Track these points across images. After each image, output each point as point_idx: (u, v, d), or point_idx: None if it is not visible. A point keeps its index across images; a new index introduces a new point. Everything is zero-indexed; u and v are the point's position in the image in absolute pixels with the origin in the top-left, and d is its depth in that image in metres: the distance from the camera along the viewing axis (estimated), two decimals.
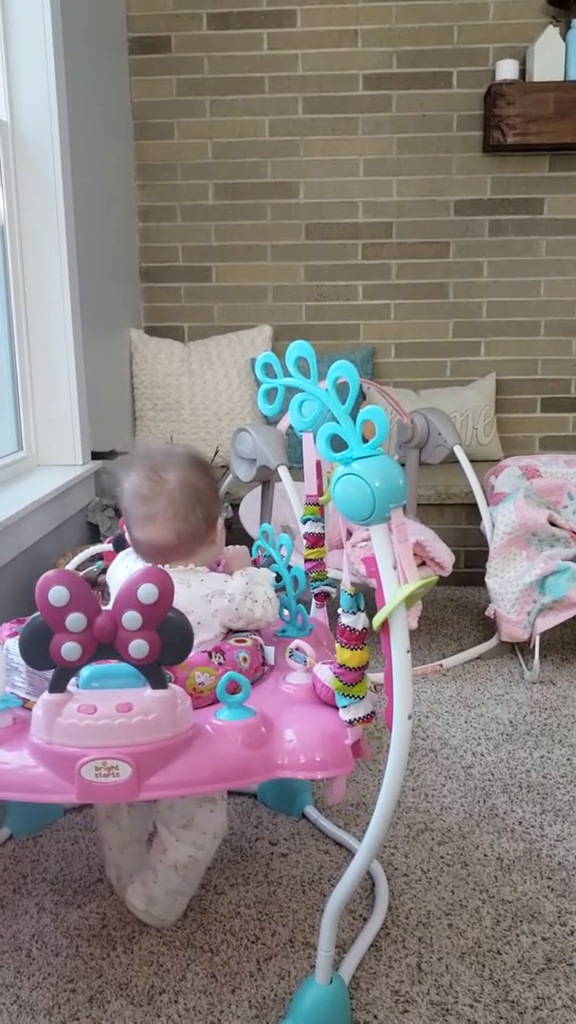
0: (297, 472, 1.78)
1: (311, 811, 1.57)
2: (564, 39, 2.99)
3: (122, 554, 1.37)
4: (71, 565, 1.67)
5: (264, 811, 1.60)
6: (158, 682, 0.98)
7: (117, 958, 1.24)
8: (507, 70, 3.04)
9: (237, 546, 1.41)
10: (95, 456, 2.62)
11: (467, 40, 3.14)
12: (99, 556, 1.56)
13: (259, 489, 2.32)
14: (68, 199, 2.38)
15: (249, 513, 2.42)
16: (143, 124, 3.24)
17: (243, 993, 1.17)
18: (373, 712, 1.05)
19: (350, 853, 1.46)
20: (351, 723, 1.04)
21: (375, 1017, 1.14)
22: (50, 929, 1.30)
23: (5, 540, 1.92)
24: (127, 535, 1.33)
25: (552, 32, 2.99)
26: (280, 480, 2.08)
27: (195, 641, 1.01)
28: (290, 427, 2.11)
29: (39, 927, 1.30)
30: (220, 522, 1.32)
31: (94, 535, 2.57)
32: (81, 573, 1.80)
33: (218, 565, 1.36)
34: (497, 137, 3.04)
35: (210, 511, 1.28)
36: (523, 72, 3.09)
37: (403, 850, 1.48)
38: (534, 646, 2.17)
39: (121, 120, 3.13)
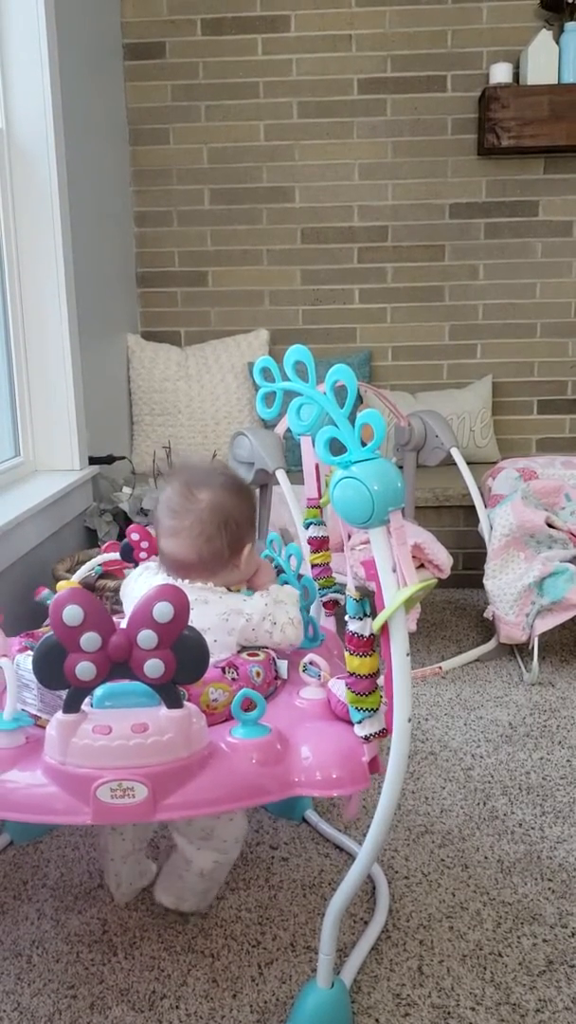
0: (295, 475, 1.79)
1: (311, 815, 1.57)
2: (557, 43, 3.00)
3: (138, 569, 1.36)
4: (77, 576, 1.66)
5: (265, 815, 1.59)
6: (173, 702, 0.96)
7: (118, 963, 1.24)
8: (501, 73, 3.05)
9: (265, 562, 1.38)
10: (92, 461, 2.62)
11: (461, 44, 3.15)
12: (132, 560, 1.55)
13: (257, 493, 2.32)
14: (64, 205, 2.38)
15: None
16: (138, 130, 3.24)
17: (244, 997, 1.17)
18: (386, 728, 1.03)
19: (351, 857, 1.46)
20: (367, 739, 1.02)
21: (376, 1021, 1.13)
22: (51, 935, 1.30)
23: (3, 546, 1.92)
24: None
25: (545, 35, 3.00)
26: (278, 484, 2.08)
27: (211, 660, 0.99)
28: (288, 431, 2.12)
29: (40, 933, 1.30)
30: (249, 549, 1.29)
31: (92, 540, 2.57)
32: (78, 579, 1.80)
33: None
34: (492, 140, 3.05)
35: (237, 537, 1.26)
36: (517, 75, 3.10)
37: (403, 853, 1.48)
38: (533, 648, 2.17)
39: (116, 126, 3.13)
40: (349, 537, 1.15)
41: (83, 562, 1.97)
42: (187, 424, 3.17)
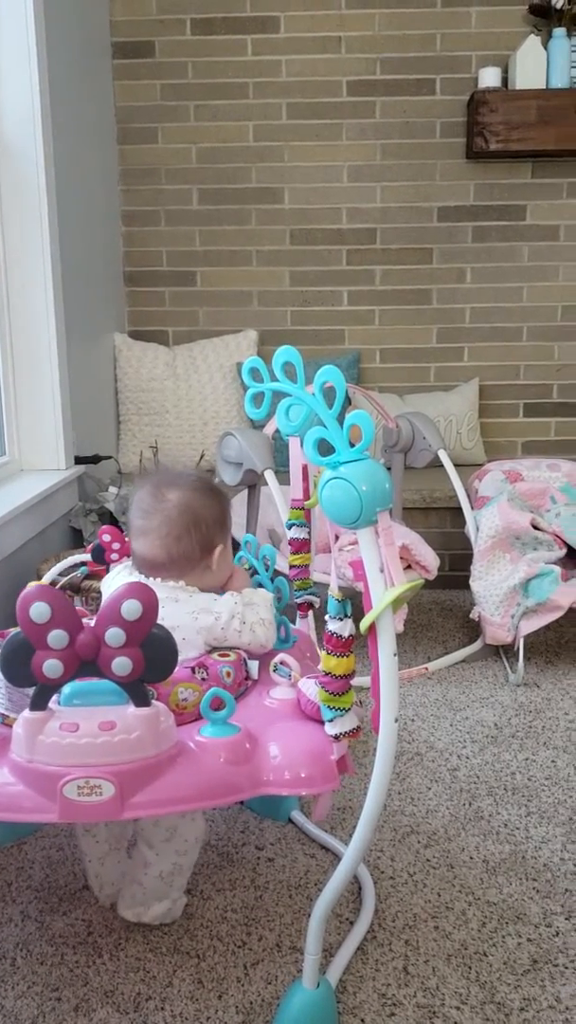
0: (283, 476, 1.79)
1: (297, 816, 1.57)
2: (545, 48, 3.02)
3: (116, 569, 1.36)
4: (49, 575, 1.66)
5: (250, 816, 1.59)
6: (141, 700, 0.96)
7: (103, 965, 1.23)
8: (490, 78, 3.06)
9: (239, 567, 1.39)
10: (79, 461, 2.61)
11: (450, 48, 3.16)
12: (82, 562, 1.56)
13: (244, 493, 2.32)
14: (52, 203, 2.38)
15: (236, 518, 2.41)
16: (127, 129, 3.24)
17: (230, 998, 1.17)
18: (359, 727, 1.04)
19: (336, 857, 1.46)
20: (337, 738, 1.03)
21: (362, 1021, 1.14)
22: (35, 937, 1.29)
23: None
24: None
25: (534, 41, 3.02)
26: (266, 484, 2.08)
27: (179, 658, 0.99)
28: (276, 431, 2.12)
29: (24, 935, 1.30)
30: (221, 551, 1.30)
31: (77, 540, 2.56)
32: (64, 579, 1.80)
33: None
34: (480, 144, 3.06)
35: (208, 538, 1.27)
36: (505, 80, 3.12)
37: (389, 853, 1.48)
38: (518, 649, 2.18)
39: (105, 125, 3.13)
40: (337, 538, 1.15)
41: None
42: (174, 424, 3.16)
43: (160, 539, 1.25)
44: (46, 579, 1.63)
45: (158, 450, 3.07)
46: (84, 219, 2.82)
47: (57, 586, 1.81)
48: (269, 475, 2.06)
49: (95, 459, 2.69)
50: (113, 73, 3.20)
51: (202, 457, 3.03)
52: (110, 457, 2.91)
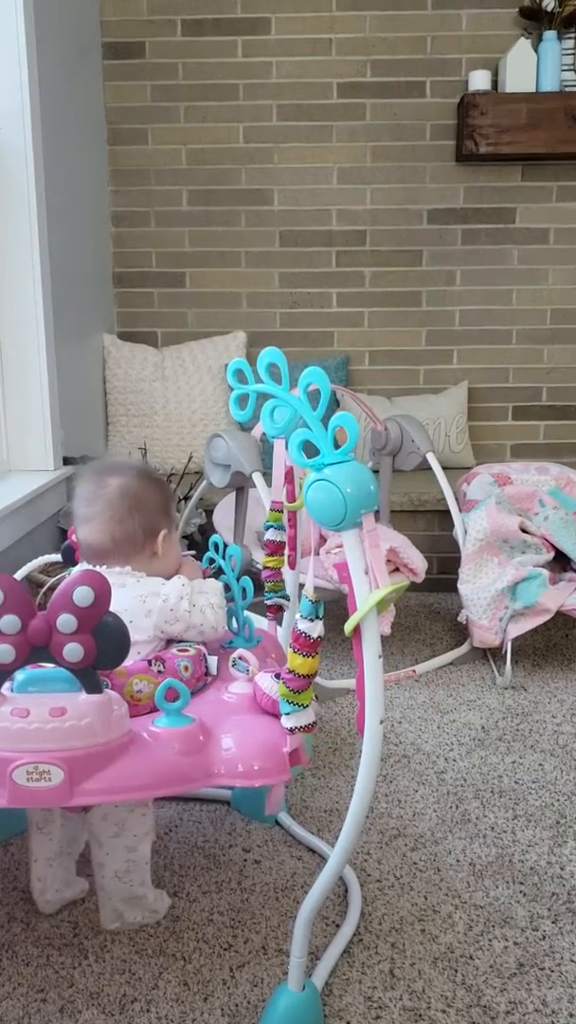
0: (271, 478, 1.78)
1: (284, 818, 1.56)
2: (536, 51, 3.03)
3: (77, 568, 1.37)
4: (21, 573, 1.66)
5: (237, 818, 1.59)
6: (93, 687, 0.97)
7: (89, 967, 1.23)
8: (480, 81, 3.07)
9: (189, 557, 1.42)
10: (67, 462, 2.60)
11: (440, 50, 3.17)
12: (73, 562, 1.54)
13: (233, 495, 2.32)
14: (41, 204, 2.37)
15: (223, 519, 2.42)
16: (117, 129, 3.23)
17: (216, 1001, 1.17)
18: (315, 722, 1.05)
19: (323, 859, 1.46)
20: (292, 731, 1.04)
21: (348, 1023, 1.13)
22: (20, 938, 1.29)
23: None
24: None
25: (524, 44, 3.03)
26: (254, 486, 2.08)
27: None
28: (264, 433, 2.12)
29: (9, 936, 1.29)
30: (166, 535, 1.32)
31: (65, 541, 2.55)
32: (54, 578, 1.79)
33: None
34: (470, 147, 3.07)
35: (151, 522, 1.31)
36: (495, 83, 3.12)
37: (376, 856, 1.48)
38: (506, 652, 2.18)
39: (95, 125, 3.12)
40: (324, 540, 1.16)
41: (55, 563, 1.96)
42: (163, 425, 3.16)
43: (103, 523, 1.29)
44: (20, 574, 1.63)
45: (147, 451, 3.07)
46: (73, 220, 2.81)
47: (46, 585, 1.81)
48: (257, 477, 2.06)
49: (83, 460, 2.68)
50: (103, 74, 3.19)
51: (190, 459, 3.03)
52: (98, 458, 2.90)
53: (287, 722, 1.04)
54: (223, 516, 2.42)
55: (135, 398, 3.16)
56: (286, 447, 1.02)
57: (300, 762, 1.06)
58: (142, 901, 1.29)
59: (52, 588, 1.84)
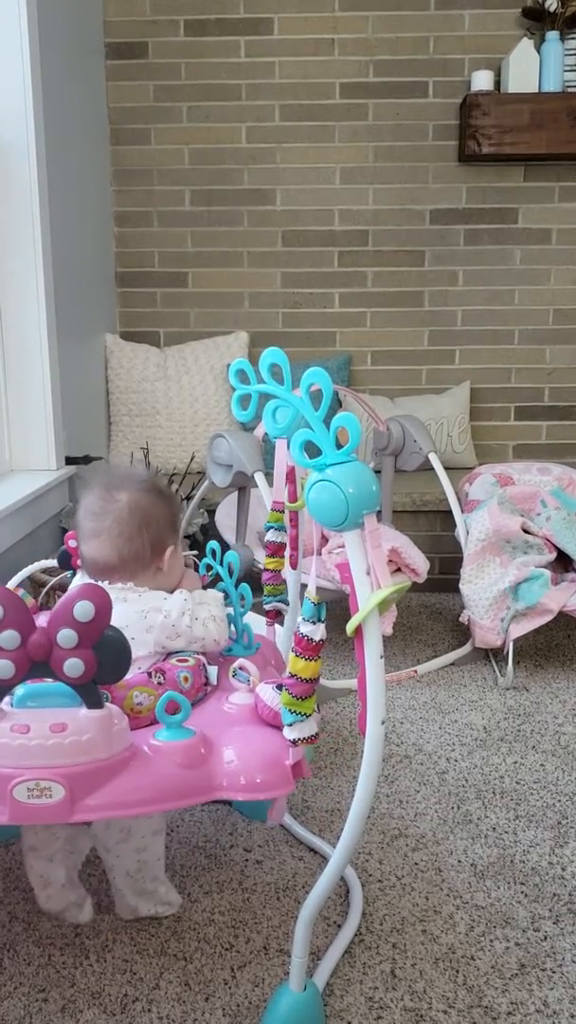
0: (272, 478, 1.78)
1: (286, 818, 1.56)
2: (538, 51, 3.03)
3: (79, 576, 1.36)
4: (13, 582, 1.65)
5: (238, 818, 1.59)
6: (94, 702, 0.96)
7: (90, 967, 1.23)
8: (482, 81, 3.07)
9: (189, 569, 1.40)
10: (69, 461, 2.61)
11: (443, 51, 3.17)
12: (69, 567, 1.54)
13: (235, 495, 2.32)
14: (44, 203, 2.37)
15: (225, 519, 2.42)
16: (119, 129, 3.24)
17: (217, 1001, 1.17)
18: (318, 733, 1.04)
19: (324, 860, 1.46)
20: (295, 743, 1.02)
21: (349, 1023, 1.14)
22: (22, 938, 1.29)
23: None
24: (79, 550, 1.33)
25: (526, 44, 3.02)
26: (256, 486, 2.08)
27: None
28: (266, 433, 2.12)
29: (11, 936, 1.29)
30: (172, 552, 1.31)
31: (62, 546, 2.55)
32: (55, 579, 1.79)
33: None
34: (472, 147, 3.07)
35: (159, 538, 1.29)
36: (498, 83, 3.12)
37: (377, 856, 1.48)
38: (508, 652, 2.18)
39: (98, 125, 3.12)
40: (325, 541, 1.15)
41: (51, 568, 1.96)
42: (165, 425, 3.16)
43: (111, 540, 1.26)
44: (14, 581, 1.62)
45: (149, 451, 3.07)
46: (76, 220, 2.81)
47: (46, 587, 1.81)
48: (259, 477, 2.06)
49: (86, 460, 2.69)
50: (106, 74, 3.19)
51: (192, 458, 3.03)
52: (101, 458, 2.90)
53: (290, 733, 1.03)
54: (225, 516, 2.42)
55: (137, 398, 3.16)
56: (288, 447, 1.02)
57: (303, 774, 1.05)
58: (154, 895, 1.30)
59: (54, 588, 1.85)
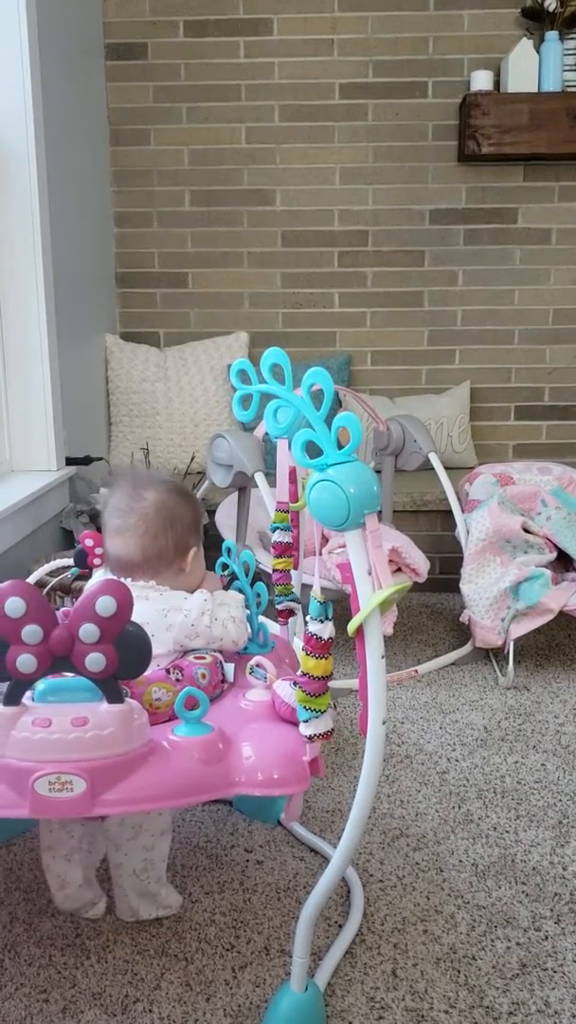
0: (273, 478, 1.78)
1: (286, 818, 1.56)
2: (538, 51, 3.03)
3: (99, 572, 1.38)
4: (35, 576, 1.65)
5: (239, 818, 1.59)
6: (114, 696, 0.96)
7: (91, 967, 1.23)
8: (482, 81, 3.07)
9: (211, 572, 1.41)
10: (70, 462, 2.61)
11: (442, 51, 3.17)
12: (86, 565, 1.54)
13: (235, 495, 2.32)
14: (44, 204, 2.37)
15: (226, 519, 2.42)
16: (119, 130, 3.24)
17: (218, 1001, 1.17)
18: (333, 729, 1.04)
19: (325, 860, 1.46)
20: (311, 739, 1.03)
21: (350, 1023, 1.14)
22: (23, 939, 1.29)
23: None
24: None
25: (526, 44, 3.02)
26: (257, 487, 2.08)
27: None
28: (266, 433, 2.12)
29: (12, 937, 1.29)
30: (195, 553, 1.32)
31: (68, 541, 2.55)
32: (55, 580, 1.79)
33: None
34: (472, 147, 3.07)
35: (183, 538, 1.30)
36: (497, 83, 3.12)
37: (378, 856, 1.48)
38: (508, 652, 2.18)
39: (97, 126, 3.12)
40: (326, 540, 1.16)
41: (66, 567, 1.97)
42: (165, 426, 3.16)
43: (137, 537, 1.28)
44: (31, 579, 1.62)
45: (149, 451, 3.07)
46: (76, 220, 2.81)
47: (47, 587, 1.81)
48: (259, 477, 2.06)
49: (86, 460, 2.69)
50: (106, 75, 3.19)
51: (192, 459, 3.03)
52: (101, 458, 2.90)
53: (305, 730, 1.03)
54: (226, 516, 2.42)
55: (137, 398, 3.16)
56: (289, 447, 1.02)
57: (319, 771, 1.06)
58: (156, 897, 1.30)
59: (55, 590, 1.85)
